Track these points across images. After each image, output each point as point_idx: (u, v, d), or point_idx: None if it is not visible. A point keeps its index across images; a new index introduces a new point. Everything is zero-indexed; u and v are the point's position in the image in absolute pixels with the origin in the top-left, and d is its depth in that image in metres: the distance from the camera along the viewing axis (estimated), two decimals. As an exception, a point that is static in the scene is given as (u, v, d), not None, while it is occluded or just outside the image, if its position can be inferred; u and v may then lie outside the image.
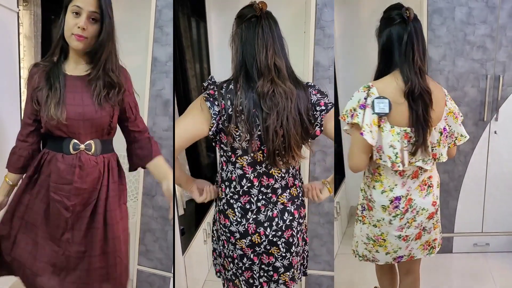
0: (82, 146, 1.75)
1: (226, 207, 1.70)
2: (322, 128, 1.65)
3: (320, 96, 1.66)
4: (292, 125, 1.57)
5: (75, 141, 1.75)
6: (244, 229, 1.66)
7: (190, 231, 2.75)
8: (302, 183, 1.82)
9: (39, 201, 1.77)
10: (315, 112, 1.63)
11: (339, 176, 3.37)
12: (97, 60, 1.73)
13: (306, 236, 1.86)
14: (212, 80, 1.64)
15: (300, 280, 1.97)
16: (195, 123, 1.60)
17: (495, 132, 3.08)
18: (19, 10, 2.35)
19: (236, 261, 1.71)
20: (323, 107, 1.63)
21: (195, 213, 2.95)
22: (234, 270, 1.74)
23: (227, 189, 1.69)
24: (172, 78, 2.55)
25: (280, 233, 1.67)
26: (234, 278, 1.77)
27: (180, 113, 2.63)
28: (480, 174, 3.13)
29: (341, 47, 3.42)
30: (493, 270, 3.03)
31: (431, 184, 1.92)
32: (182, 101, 2.71)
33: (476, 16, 2.95)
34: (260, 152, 1.60)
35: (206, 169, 3.35)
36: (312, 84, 1.69)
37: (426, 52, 1.92)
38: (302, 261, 1.84)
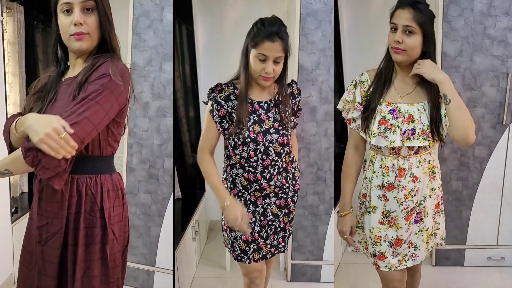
0: None
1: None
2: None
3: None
4: None
5: None
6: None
7: (178, 229, 2.98)
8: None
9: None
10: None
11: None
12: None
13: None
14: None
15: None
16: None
17: (515, 137, 2.95)
18: (3, 18, 2.58)
19: None
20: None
21: (181, 212, 3.20)
22: None
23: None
24: (172, 81, 2.78)
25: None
26: None
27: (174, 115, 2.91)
28: (496, 183, 3.03)
29: (348, 42, 3.44)
30: (508, 286, 2.95)
31: None
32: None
33: (497, 7, 2.81)
34: None
35: (191, 169, 3.60)
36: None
37: None
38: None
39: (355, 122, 2.05)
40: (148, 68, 2.79)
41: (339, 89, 3.33)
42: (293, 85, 2.13)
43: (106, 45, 1.64)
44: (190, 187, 3.60)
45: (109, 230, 1.63)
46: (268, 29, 1.86)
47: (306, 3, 2.77)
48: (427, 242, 2.08)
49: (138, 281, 2.99)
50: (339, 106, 2.11)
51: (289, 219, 2.18)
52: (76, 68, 1.64)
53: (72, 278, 1.60)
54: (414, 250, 2.06)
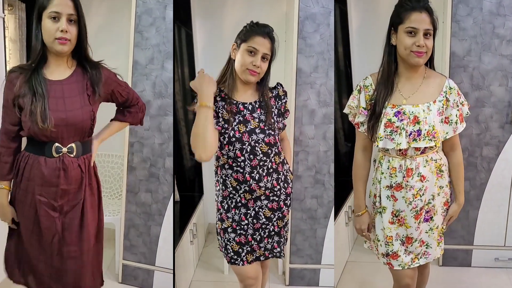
0: (65, 149, 1.93)
1: None
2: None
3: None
4: None
5: (58, 144, 1.93)
6: None
7: (176, 232, 3.00)
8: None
9: (28, 206, 1.96)
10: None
11: (350, 178, 3.39)
12: (83, 59, 1.98)
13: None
14: None
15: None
16: None
17: (524, 137, 2.95)
18: (5, 15, 2.60)
19: None
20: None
21: (179, 215, 3.23)
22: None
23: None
24: (172, 83, 2.83)
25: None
26: None
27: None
28: (504, 183, 3.04)
29: (357, 41, 3.47)
30: (516, 288, 2.97)
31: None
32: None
33: (507, 6, 2.82)
34: None
35: (189, 172, 3.63)
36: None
37: None
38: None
39: (363, 125, 2.10)
40: (150, 67, 2.82)
41: (347, 89, 3.35)
42: (278, 87, 2.20)
43: (80, 52, 1.97)
44: (189, 189, 3.63)
45: (100, 190, 2.14)
46: (261, 28, 2.04)
47: (304, 6, 2.79)
48: (437, 240, 2.15)
49: (137, 280, 3.03)
50: (345, 111, 2.16)
51: (283, 223, 2.20)
52: (62, 68, 1.96)
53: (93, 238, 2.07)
54: (426, 248, 2.13)
